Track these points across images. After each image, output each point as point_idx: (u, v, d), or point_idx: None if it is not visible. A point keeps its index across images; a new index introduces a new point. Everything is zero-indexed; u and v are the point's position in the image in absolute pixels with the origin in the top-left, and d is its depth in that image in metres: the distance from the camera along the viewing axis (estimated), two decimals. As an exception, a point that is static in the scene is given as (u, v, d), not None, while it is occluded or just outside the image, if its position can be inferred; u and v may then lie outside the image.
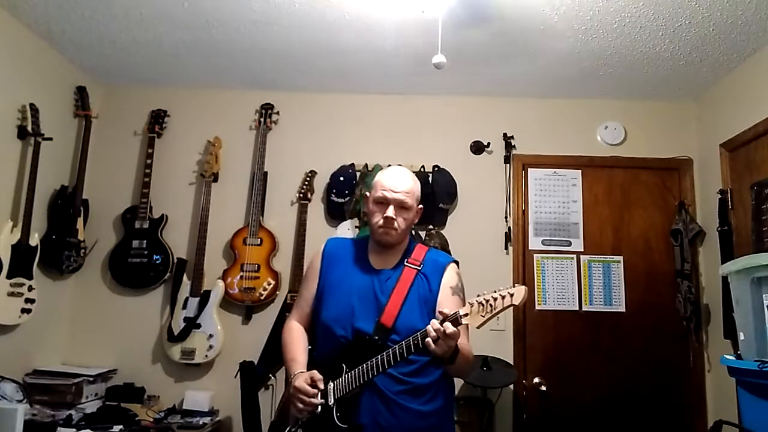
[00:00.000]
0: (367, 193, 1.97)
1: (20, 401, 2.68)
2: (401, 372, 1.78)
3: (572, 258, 3.35)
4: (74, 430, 2.61)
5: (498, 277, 3.29)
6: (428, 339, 1.60)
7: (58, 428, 2.59)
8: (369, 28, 2.75)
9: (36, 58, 2.97)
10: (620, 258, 3.33)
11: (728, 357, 2.30)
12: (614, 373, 3.21)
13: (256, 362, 3.03)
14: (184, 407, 3.07)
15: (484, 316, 1.59)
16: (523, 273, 3.33)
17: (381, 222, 1.87)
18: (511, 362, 3.17)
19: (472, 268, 3.26)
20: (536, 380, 3.21)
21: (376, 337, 1.78)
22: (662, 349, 3.23)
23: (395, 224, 1.87)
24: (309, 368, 1.86)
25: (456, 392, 3.12)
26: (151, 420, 2.90)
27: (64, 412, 2.75)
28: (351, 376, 1.76)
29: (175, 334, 3.13)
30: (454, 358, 1.68)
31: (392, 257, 1.94)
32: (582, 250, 3.36)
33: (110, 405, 2.98)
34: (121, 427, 2.69)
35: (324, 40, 2.89)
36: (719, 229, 3.02)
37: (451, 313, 1.62)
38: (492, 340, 3.22)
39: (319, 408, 1.76)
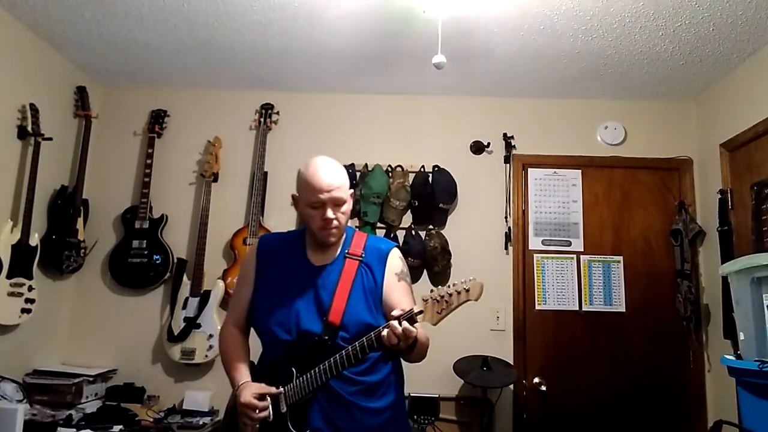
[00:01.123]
0: (295, 194, 1.84)
1: (20, 401, 2.68)
2: (353, 372, 1.71)
3: (572, 258, 3.35)
4: (74, 430, 2.61)
5: (498, 277, 3.30)
6: (384, 338, 1.56)
7: (58, 428, 2.59)
8: (369, 28, 2.75)
9: (36, 58, 2.97)
10: (620, 258, 3.33)
11: (728, 357, 2.30)
12: (614, 373, 3.21)
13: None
14: (184, 407, 3.07)
15: (440, 313, 1.54)
16: (523, 273, 3.33)
17: (321, 225, 1.76)
18: (511, 362, 3.17)
19: (472, 268, 3.29)
20: (536, 380, 3.21)
21: (326, 337, 1.70)
22: (662, 349, 3.23)
23: (335, 224, 1.76)
24: (255, 374, 1.78)
25: (456, 392, 3.15)
26: (151, 420, 2.91)
27: (64, 412, 2.75)
28: (303, 381, 1.68)
29: (175, 334, 3.13)
30: (412, 347, 1.64)
31: (331, 250, 1.84)
32: (582, 250, 3.35)
33: (110, 405, 2.98)
34: (121, 427, 2.69)
35: (324, 40, 2.89)
36: (719, 229, 3.02)
37: (406, 311, 1.56)
38: (492, 340, 3.22)
39: (271, 416, 1.68)
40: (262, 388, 1.71)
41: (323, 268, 1.82)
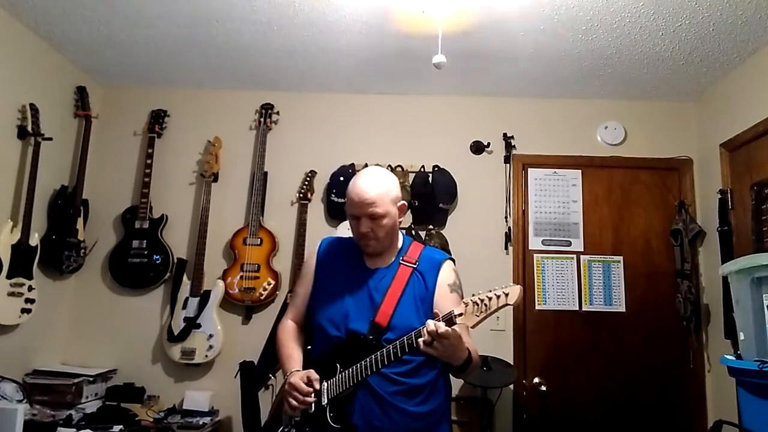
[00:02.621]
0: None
1: (20, 401, 2.68)
2: (395, 372, 1.76)
3: (572, 258, 3.35)
4: (74, 430, 2.61)
5: (498, 277, 3.29)
6: (420, 340, 1.58)
7: (58, 428, 2.59)
8: (369, 28, 2.75)
9: (36, 58, 2.97)
10: (620, 258, 3.33)
11: (728, 357, 2.30)
12: (614, 373, 3.21)
13: (256, 362, 3.03)
14: (184, 407, 3.07)
15: (479, 316, 1.56)
16: (523, 273, 3.33)
17: (358, 236, 1.87)
18: (511, 362, 3.17)
19: (472, 268, 3.27)
20: (536, 380, 3.21)
21: (371, 337, 1.76)
22: (662, 349, 3.23)
23: (372, 236, 1.83)
24: (305, 367, 1.85)
25: (456, 392, 3.15)
26: (151, 420, 2.91)
27: (64, 412, 2.75)
28: (345, 376, 1.75)
29: (175, 334, 3.13)
30: (467, 366, 1.69)
31: (387, 256, 1.92)
32: (582, 250, 3.35)
33: (110, 405, 2.98)
34: (121, 427, 2.70)
35: (324, 40, 2.89)
36: (719, 229, 3.02)
37: (446, 312, 1.60)
38: (492, 340, 3.22)
39: (313, 407, 1.75)
40: (311, 374, 1.78)
41: (377, 271, 1.89)
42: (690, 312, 3.15)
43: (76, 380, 2.89)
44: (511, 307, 1.57)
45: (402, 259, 1.90)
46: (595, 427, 3.17)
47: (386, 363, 1.68)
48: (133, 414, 2.91)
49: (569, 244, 3.37)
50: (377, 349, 1.71)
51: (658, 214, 3.37)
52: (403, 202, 1.92)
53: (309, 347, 1.95)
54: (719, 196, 3.05)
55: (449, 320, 1.58)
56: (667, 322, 3.24)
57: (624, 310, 3.28)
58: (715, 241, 3.07)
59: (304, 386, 1.75)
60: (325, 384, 1.78)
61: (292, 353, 1.91)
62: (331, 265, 1.97)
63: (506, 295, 1.55)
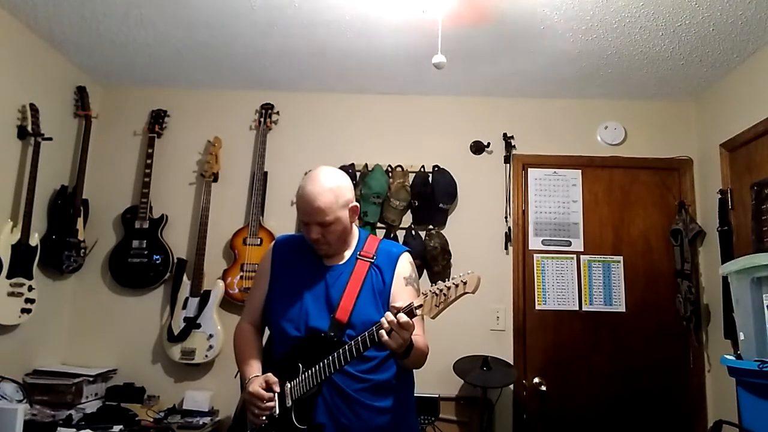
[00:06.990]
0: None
1: (20, 401, 2.68)
2: (359, 370, 1.75)
3: (572, 258, 3.35)
4: (74, 430, 2.61)
5: (498, 277, 3.30)
6: (381, 331, 1.58)
7: (58, 428, 2.59)
8: (369, 28, 2.75)
9: (36, 58, 2.97)
10: (620, 258, 3.33)
11: (728, 357, 2.30)
12: (614, 373, 3.21)
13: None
14: (184, 407, 3.07)
15: (438, 306, 1.56)
16: (523, 273, 3.33)
17: (310, 241, 1.83)
18: (511, 362, 3.17)
19: (472, 268, 3.26)
20: (536, 380, 3.21)
21: (332, 334, 1.74)
22: (662, 349, 3.23)
23: (323, 241, 1.81)
24: (265, 370, 1.82)
25: (456, 392, 3.15)
26: (151, 420, 2.91)
27: (64, 412, 2.75)
28: (308, 376, 1.72)
29: (175, 334, 3.13)
30: (409, 352, 1.66)
31: (343, 252, 1.90)
32: (582, 250, 3.35)
33: (110, 405, 2.98)
34: (121, 427, 2.69)
35: (324, 40, 2.89)
36: (719, 229, 3.02)
37: (406, 305, 1.59)
38: (492, 340, 3.22)
39: (277, 410, 1.71)
40: (269, 378, 1.75)
41: (334, 268, 1.87)
42: (690, 312, 3.15)
43: (76, 380, 2.89)
44: (471, 295, 1.56)
45: (359, 254, 1.87)
46: (595, 427, 3.17)
47: (350, 359, 1.66)
48: (133, 414, 2.91)
49: (569, 244, 3.37)
50: (339, 346, 1.69)
51: (658, 214, 3.37)
52: (355, 203, 1.87)
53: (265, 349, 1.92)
54: (719, 196, 3.05)
55: (409, 312, 1.57)
56: (667, 322, 3.24)
57: (624, 310, 3.28)
58: (715, 241, 3.07)
59: (264, 393, 1.71)
60: (289, 385, 1.75)
61: (250, 359, 1.86)
62: (286, 265, 1.93)
63: (464, 283, 1.55)
